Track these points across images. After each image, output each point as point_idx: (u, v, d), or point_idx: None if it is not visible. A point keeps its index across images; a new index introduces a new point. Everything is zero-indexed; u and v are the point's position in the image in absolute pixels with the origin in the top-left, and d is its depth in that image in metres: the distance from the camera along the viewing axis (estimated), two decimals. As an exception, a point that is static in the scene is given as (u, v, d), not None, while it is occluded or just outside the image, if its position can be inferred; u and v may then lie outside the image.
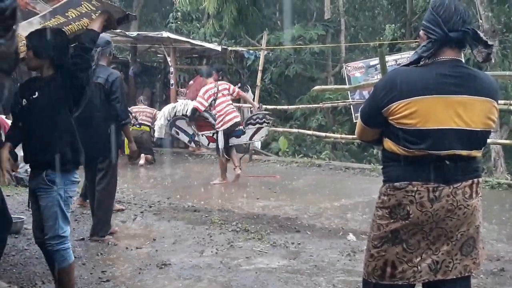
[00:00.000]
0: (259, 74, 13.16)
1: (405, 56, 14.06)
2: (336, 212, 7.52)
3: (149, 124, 12.18)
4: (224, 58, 16.51)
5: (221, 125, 9.49)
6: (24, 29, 4.30)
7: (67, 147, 4.14)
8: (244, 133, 9.84)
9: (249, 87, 16.01)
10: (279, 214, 7.40)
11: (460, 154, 2.71)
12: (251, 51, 16.16)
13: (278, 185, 9.49)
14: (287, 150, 15.08)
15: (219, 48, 14.97)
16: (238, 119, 9.73)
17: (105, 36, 6.26)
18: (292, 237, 6.24)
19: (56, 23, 4.26)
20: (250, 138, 10.12)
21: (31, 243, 5.91)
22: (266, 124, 10.03)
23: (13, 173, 6.69)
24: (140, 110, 12.46)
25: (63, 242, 4.17)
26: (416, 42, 15.47)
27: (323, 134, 13.26)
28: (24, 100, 4.18)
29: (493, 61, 11.91)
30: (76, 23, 4.29)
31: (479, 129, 2.73)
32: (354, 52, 21.53)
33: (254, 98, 13.40)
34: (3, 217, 4.55)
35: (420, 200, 2.73)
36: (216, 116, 9.54)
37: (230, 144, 9.69)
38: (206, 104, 9.46)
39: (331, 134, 13.79)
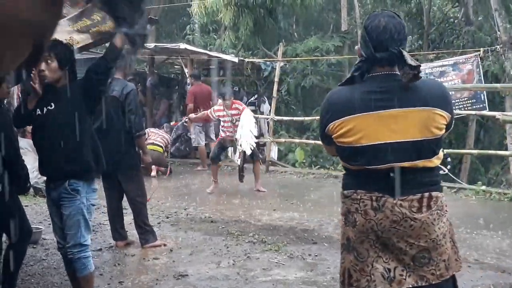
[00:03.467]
0: (276, 85, 13.16)
1: (423, 68, 14.02)
2: (353, 224, 7.47)
3: (163, 146, 12.14)
4: (241, 70, 16.55)
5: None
6: None
7: (90, 156, 4.20)
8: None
9: (266, 98, 16.02)
10: (296, 225, 7.38)
11: (402, 166, 2.70)
12: (267, 63, 16.17)
13: (295, 197, 9.47)
14: (304, 161, 15.03)
15: (236, 60, 15.01)
16: None
17: None
18: (309, 249, 6.22)
19: (83, 25, 4.39)
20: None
21: (49, 253, 5.96)
22: None
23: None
24: (156, 132, 12.44)
25: (85, 250, 4.24)
26: (434, 53, 15.46)
27: (340, 145, 13.18)
28: (38, 111, 4.22)
29: (511, 73, 11.83)
30: (102, 26, 4.41)
31: (419, 139, 2.70)
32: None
33: (271, 108, 13.42)
34: (23, 227, 4.59)
35: (364, 208, 2.78)
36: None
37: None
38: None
39: (348, 146, 13.72)
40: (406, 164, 2.71)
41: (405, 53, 2.70)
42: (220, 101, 9.92)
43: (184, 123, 12.54)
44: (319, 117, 2.99)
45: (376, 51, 2.73)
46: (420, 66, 2.67)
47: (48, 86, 4.32)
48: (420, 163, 2.73)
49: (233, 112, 9.72)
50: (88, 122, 4.24)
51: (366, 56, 2.77)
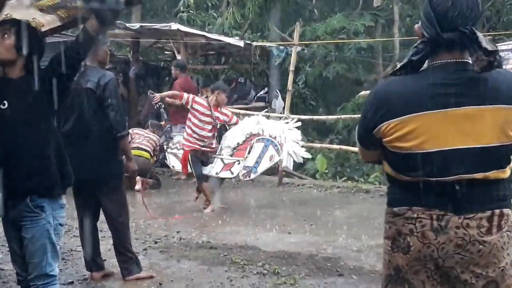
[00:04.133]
0: (291, 76, 13.19)
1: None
2: (389, 251, 7.45)
3: (150, 151, 12.11)
4: (248, 56, 16.57)
5: None
6: (14, 8, 4.40)
7: (55, 167, 4.17)
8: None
9: (278, 92, 16.05)
10: (317, 252, 7.38)
11: (472, 178, 2.71)
12: (281, 47, 16.19)
13: (315, 216, 9.47)
14: (326, 171, 15.04)
15: (241, 44, 15.04)
16: None
17: None
18: (333, 283, 6.22)
19: (49, 3, 4.36)
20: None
21: (8, 287, 5.97)
22: None
23: None
24: (141, 133, 12.41)
25: (52, 282, 4.22)
26: (489, 35, 15.41)
27: (372, 151, 13.17)
28: None
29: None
30: (72, 5, 4.40)
31: (494, 145, 2.71)
32: (410, 48, 21.47)
33: (284, 105, 13.44)
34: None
35: (421, 230, 2.76)
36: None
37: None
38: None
39: (382, 152, 13.71)
40: (478, 175, 2.71)
41: (479, 34, 2.68)
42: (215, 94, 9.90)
43: (154, 103, 12.24)
44: (361, 114, 2.97)
45: (443, 31, 2.72)
46: (497, 51, 2.66)
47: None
48: (493, 174, 2.74)
49: (219, 115, 9.87)
50: (52, 124, 4.22)
51: (429, 37, 2.77)
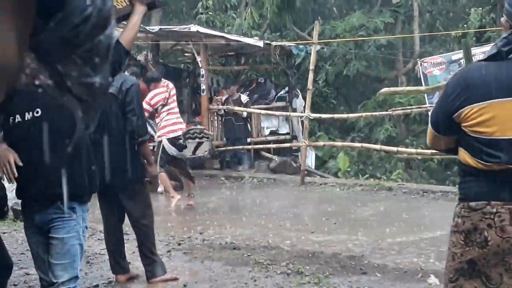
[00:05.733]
0: (311, 75, 13.17)
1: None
2: (413, 248, 7.44)
3: None
4: (267, 56, 16.57)
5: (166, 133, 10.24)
6: None
7: (84, 174, 4.20)
8: (185, 147, 10.61)
9: (299, 91, 16.04)
10: (340, 251, 7.36)
11: None
12: (300, 46, 16.18)
13: (338, 215, 9.46)
14: (349, 169, 15.02)
15: (260, 44, 15.03)
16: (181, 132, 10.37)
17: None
18: (358, 281, 6.20)
19: None
20: (193, 153, 11.28)
21: (34, 292, 6.02)
22: (206, 139, 11.24)
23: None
24: None
25: (77, 285, 4.24)
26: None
27: (394, 148, 13.15)
28: (17, 117, 4.14)
29: None
30: None
31: None
32: (431, 44, 21.36)
33: (305, 104, 13.42)
34: (1, 260, 4.61)
35: (500, 224, 2.76)
36: (161, 123, 10.35)
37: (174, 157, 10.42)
38: (150, 110, 10.32)
39: (404, 149, 13.67)
40: None
41: None
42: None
43: None
44: (439, 100, 3.01)
45: None
46: None
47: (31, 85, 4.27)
48: None
49: None
50: (83, 132, 4.23)
51: None
